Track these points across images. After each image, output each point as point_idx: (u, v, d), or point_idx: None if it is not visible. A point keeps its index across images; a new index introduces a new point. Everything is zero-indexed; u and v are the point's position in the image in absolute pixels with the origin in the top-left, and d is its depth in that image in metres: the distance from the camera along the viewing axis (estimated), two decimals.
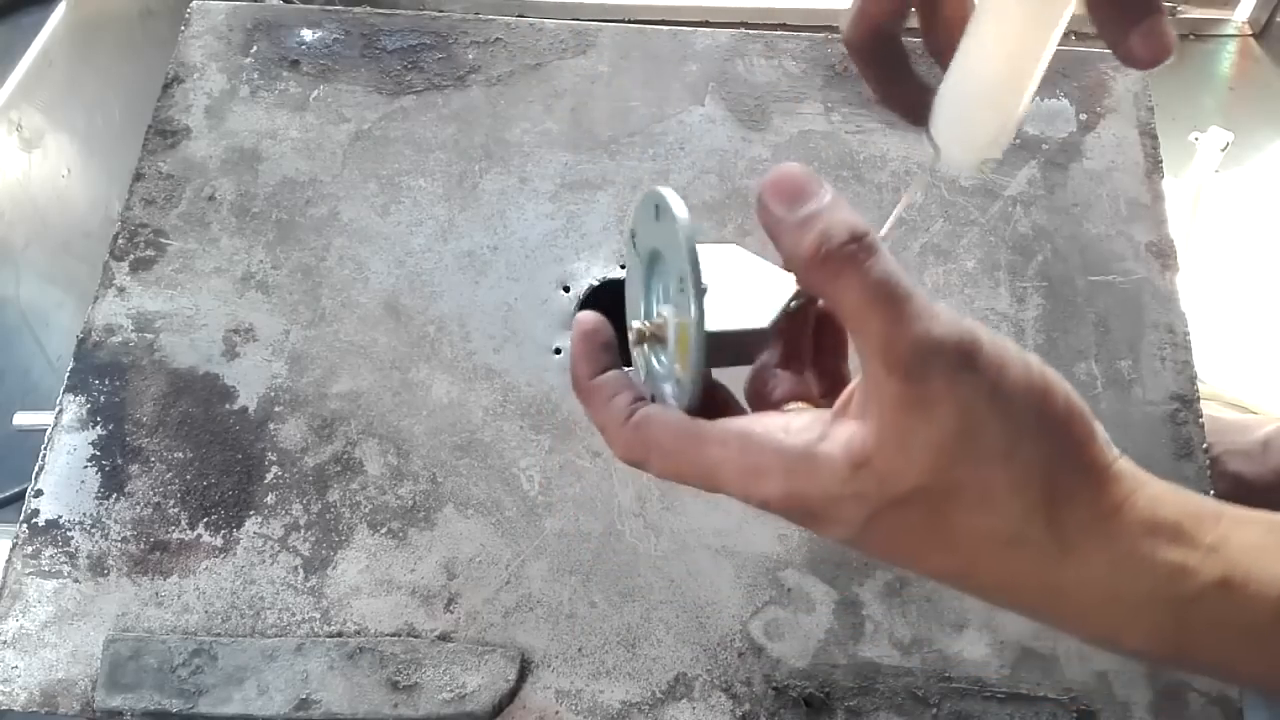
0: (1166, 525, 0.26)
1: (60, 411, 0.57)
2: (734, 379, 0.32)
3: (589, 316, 0.34)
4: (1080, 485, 0.26)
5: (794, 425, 0.28)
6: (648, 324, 0.32)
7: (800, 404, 0.30)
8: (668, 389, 0.31)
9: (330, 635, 0.51)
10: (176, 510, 0.55)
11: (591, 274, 0.61)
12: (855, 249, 0.25)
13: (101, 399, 0.58)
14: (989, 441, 0.25)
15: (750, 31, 0.70)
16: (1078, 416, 0.27)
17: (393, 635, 0.51)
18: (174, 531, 0.54)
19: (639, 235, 0.32)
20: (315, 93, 0.68)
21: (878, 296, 0.25)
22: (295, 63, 0.69)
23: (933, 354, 0.25)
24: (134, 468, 0.56)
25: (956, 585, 0.28)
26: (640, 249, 0.32)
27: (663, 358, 0.31)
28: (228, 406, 0.57)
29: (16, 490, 0.85)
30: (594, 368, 0.33)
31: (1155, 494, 0.27)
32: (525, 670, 0.50)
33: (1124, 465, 0.27)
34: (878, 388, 0.26)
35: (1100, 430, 0.27)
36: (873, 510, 0.26)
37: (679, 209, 0.28)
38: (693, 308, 0.28)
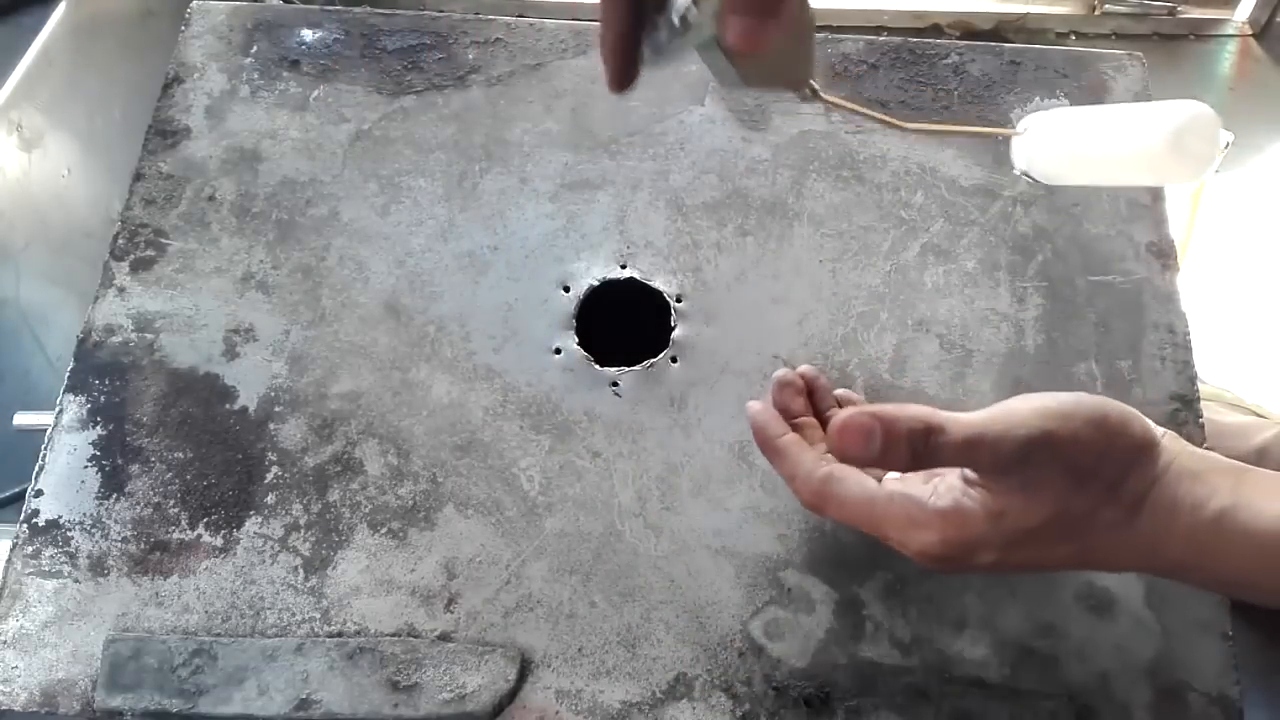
0: (1189, 472, 0.39)
1: (60, 411, 0.57)
2: None
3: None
4: (1133, 473, 0.39)
5: (940, 489, 0.40)
6: None
7: (940, 474, 0.42)
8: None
9: (330, 635, 0.51)
10: (176, 510, 0.55)
11: (591, 274, 0.61)
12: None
13: (101, 399, 0.58)
14: (1074, 483, 0.39)
15: None
16: (1125, 426, 0.39)
17: (393, 635, 0.51)
18: (174, 531, 0.54)
19: None
20: (315, 93, 0.68)
21: (968, 448, 0.38)
22: (295, 63, 0.69)
23: (1020, 462, 0.38)
24: (134, 468, 0.56)
25: (1071, 567, 0.41)
26: None
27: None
28: (228, 406, 0.57)
29: (16, 490, 0.85)
30: (782, 428, 0.45)
31: (1184, 464, 0.40)
32: (525, 670, 0.50)
33: (1166, 441, 0.40)
34: (995, 480, 0.40)
35: (1141, 425, 0.40)
36: (1009, 541, 0.39)
37: None
38: None
